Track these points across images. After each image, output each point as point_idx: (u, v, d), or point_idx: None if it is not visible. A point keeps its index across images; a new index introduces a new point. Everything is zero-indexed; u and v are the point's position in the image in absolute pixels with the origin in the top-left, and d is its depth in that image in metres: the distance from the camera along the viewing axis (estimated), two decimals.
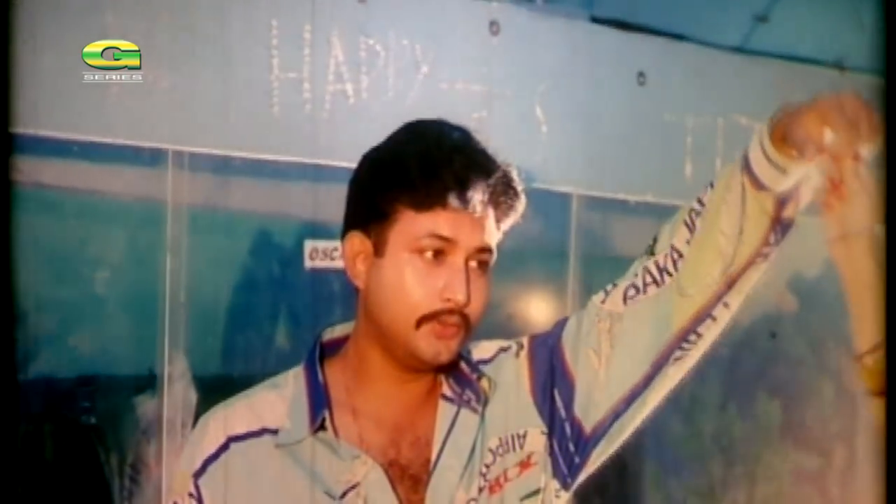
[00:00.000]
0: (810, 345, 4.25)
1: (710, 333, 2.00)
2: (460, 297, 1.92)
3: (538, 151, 3.29)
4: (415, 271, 1.93)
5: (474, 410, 2.03)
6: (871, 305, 1.88)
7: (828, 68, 4.01)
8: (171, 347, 2.79)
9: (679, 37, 3.70)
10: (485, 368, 2.05)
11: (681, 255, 1.98)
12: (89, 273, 2.82)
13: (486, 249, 1.95)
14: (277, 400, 2.01)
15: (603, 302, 2.04)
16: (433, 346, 1.94)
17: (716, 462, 4.08)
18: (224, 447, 1.99)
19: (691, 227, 1.98)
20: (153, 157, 2.74)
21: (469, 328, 1.96)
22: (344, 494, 1.96)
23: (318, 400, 2.00)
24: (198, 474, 1.98)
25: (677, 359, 2.00)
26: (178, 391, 2.86)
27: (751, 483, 4.13)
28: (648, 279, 2.01)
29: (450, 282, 1.92)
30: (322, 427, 1.98)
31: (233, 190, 2.96)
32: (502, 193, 1.95)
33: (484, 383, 2.03)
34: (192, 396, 2.88)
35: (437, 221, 1.92)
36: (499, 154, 1.95)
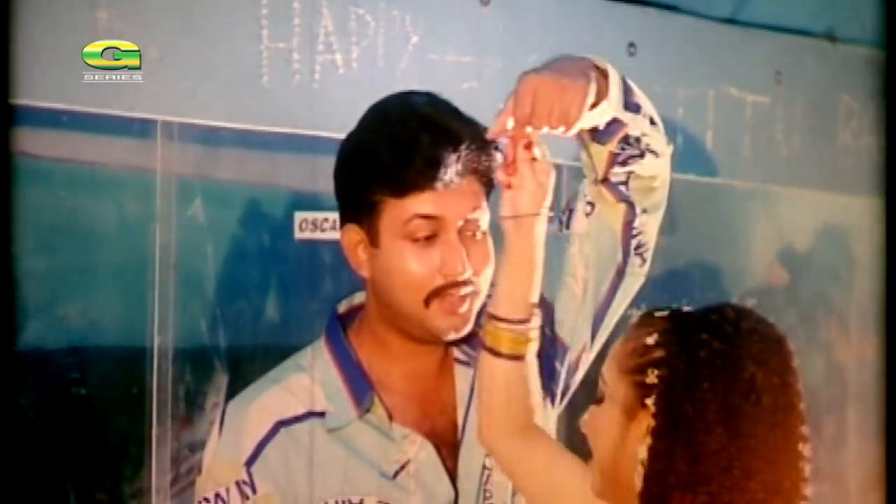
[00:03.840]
0: (800, 317, 4.25)
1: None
2: (458, 271, 1.97)
3: None
4: (410, 255, 1.96)
5: None
6: (518, 282, 1.95)
7: (819, 39, 4.01)
8: (161, 318, 2.78)
9: (670, 7, 3.69)
10: None
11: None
12: (78, 243, 2.81)
13: (475, 217, 1.99)
14: (310, 382, 2.03)
15: (565, 228, 2.10)
16: (447, 321, 1.99)
17: None
18: (273, 431, 1.99)
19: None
20: (142, 128, 2.73)
21: (479, 294, 2.02)
22: (396, 474, 1.98)
23: (360, 382, 2.03)
24: (250, 461, 1.98)
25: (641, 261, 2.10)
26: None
27: None
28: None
29: (446, 258, 1.96)
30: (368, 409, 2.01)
31: (222, 161, 2.95)
32: (478, 157, 1.99)
33: None
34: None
35: (419, 203, 1.95)
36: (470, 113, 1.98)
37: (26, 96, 2.44)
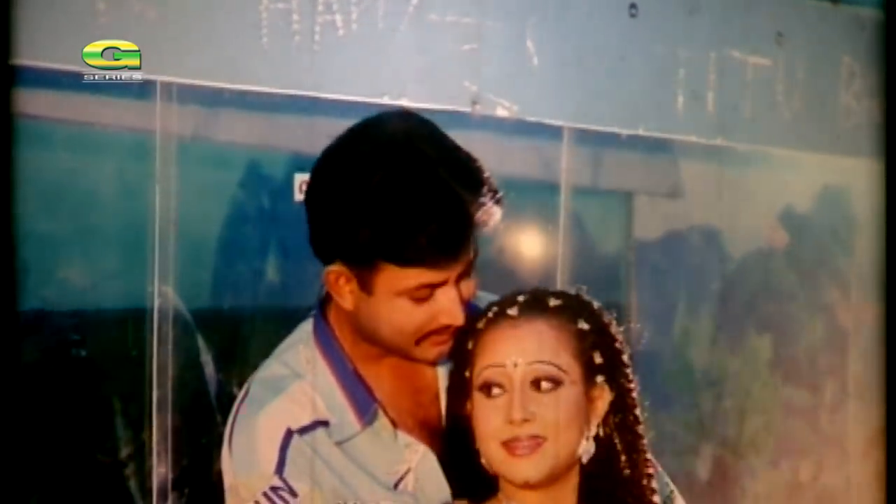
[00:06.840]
0: (801, 279, 4.26)
1: None
2: (457, 321, 1.95)
3: (529, 84, 3.27)
4: (409, 309, 1.93)
5: None
6: None
7: (821, 1, 4.00)
8: (162, 280, 2.78)
9: None
10: None
11: None
12: (79, 204, 2.81)
13: (469, 266, 1.96)
14: (311, 390, 2.01)
15: None
16: (434, 351, 1.98)
17: (706, 396, 4.10)
18: (288, 437, 1.97)
19: None
20: (142, 89, 2.72)
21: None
22: (396, 484, 1.98)
23: (362, 394, 2.01)
24: (279, 468, 1.96)
25: None
26: None
27: (740, 417, 4.14)
28: None
29: (445, 309, 1.94)
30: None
31: (222, 122, 2.95)
32: (481, 220, 1.93)
33: None
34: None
35: (421, 274, 1.91)
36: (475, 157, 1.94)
37: (27, 56, 2.43)
